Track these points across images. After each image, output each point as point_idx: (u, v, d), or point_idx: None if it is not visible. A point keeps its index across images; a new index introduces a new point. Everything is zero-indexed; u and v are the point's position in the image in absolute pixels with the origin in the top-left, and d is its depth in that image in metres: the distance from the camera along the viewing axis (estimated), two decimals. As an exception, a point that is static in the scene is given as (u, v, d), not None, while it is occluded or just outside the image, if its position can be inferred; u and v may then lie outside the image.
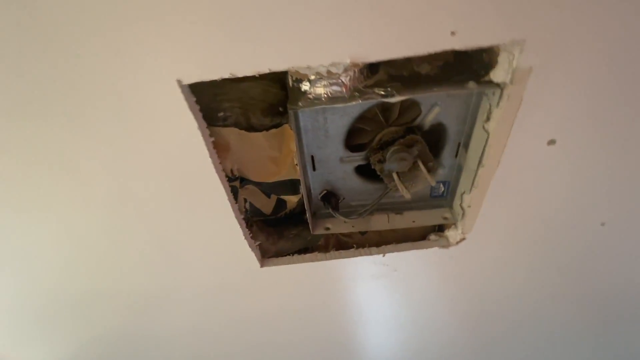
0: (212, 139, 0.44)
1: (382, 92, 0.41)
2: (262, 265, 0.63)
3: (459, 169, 0.55)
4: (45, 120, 0.39)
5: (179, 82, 0.36)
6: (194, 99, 0.39)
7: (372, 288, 0.73)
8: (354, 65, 0.36)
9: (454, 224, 0.60)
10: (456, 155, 0.54)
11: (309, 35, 0.33)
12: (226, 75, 0.36)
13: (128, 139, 0.41)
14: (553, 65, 0.37)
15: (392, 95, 0.41)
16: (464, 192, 0.56)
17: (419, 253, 0.63)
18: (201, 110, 0.41)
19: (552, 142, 0.46)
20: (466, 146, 0.51)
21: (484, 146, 0.46)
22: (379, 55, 0.35)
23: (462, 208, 0.57)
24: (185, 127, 0.40)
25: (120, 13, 0.31)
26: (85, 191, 0.47)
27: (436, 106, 0.48)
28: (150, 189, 0.48)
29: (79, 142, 0.41)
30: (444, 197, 0.60)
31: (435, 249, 0.62)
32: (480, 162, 0.48)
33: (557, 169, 0.49)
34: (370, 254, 0.63)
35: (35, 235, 0.53)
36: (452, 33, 0.34)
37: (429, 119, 0.49)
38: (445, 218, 0.60)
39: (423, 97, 0.46)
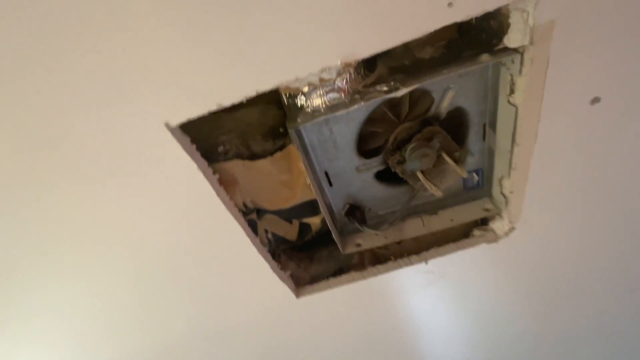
0: (217, 176, 0.41)
1: (385, 88, 0.37)
2: (298, 296, 0.59)
3: (491, 153, 0.49)
4: (52, 192, 0.39)
5: (167, 125, 0.34)
6: (188, 139, 0.37)
7: (422, 299, 0.66)
8: (347, 65, 0.32)
9: (498, 213, 0.53)
10: (484, 138, 0.48)
11: (290, 45, 0.30)
12: (214, 107, 0.33)
13: (134, 194, 0.40)
14: (579, 13, 0.32)
15: (397, 89, 0.37)
16: (502, 177, 0.49)
17: (465, 253, 0.56)
18: (199, 149, 0.39)
19: (596, 100, 0.39)
20: (493, 126, 0.45)
21: (514, 122, 0.40)
22: (372, 48, 0.31)
23: (503, 195, 0.50)
24: (185, 170, 0.38)
25: (92, 70, 0.30)
26: (107, 258, 0.46)
27: (449, 90, 0.43)
28: (168, 240, 0.46)
29: (88, 210, 0.40)
30: (481, 186, 0.54)
31: (483, 245, 0.55)
32: (513, 140, 0.42)
33: (607, 129, 0.42)
34: (411, 263, 0.57)
35: (68, 307, 0.53)
36: (450, 4, 0.30)
37: (444, 105, 0.44)
38: (487, 209, 0.53)
39: (432, 83, 0.42)
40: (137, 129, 0.34)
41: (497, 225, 0.55)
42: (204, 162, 0.39)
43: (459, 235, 0.59)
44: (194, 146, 0.38)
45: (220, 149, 0.41)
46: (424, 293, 0.64)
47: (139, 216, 0.42)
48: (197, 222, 0.44)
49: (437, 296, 0.66)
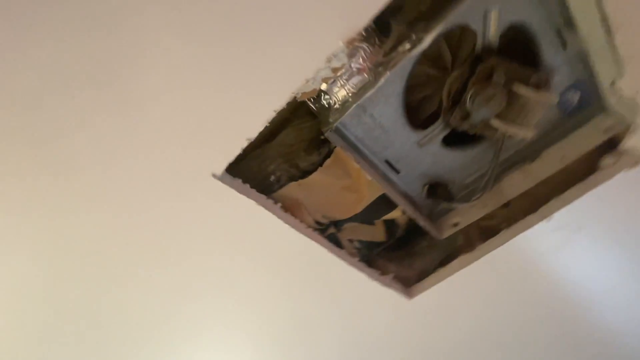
0: (279, 204, 0.41)
1: (408, 46, 0.32)
2: (410, 297, 0.54)
3: (583, 57, 0.37)
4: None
5: (215, 176, 0.35)
6: (239, 180, 0.38)
7: (565, 263, 0.54)
8: (352, 41, 0.29)
9: (628, 126, 0.40)
10: (564, 47, 0.37)
11: (283, 53, 0.28)
12: (245, 144, 0.33)
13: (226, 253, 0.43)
14: None
15: (421, 40, 0.31)
16: (613, 80, 0.37)
17: (602, 190, 0.44)
18: (253, 186, 0.39)
19: None
20: (570, 24, 0.35)
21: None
22: (368, 9, 0.27)
23: (625, 101, 0.38)
24: (247, 210, 0.39)
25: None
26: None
27: (490, 11, 0.34)
28: (270, 288, 0.48)
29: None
30: (587, 104, 0.42)
31: (621, 174, 0.42)
32: (607, 26, 0.31)
33: None
34: (530, 225, 0.47)
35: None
36: None
37: (492, 32, 0.36)
38: (609, 128, 0.40)
39: (463, 13, 0.34)
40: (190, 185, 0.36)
41: (632, 143, 0.41)
42: (262, 196, 0.40)
43: (582, 173, 0.46)
44: (247, 185, 0.39)
45: (272, 178, 0.42)
46: (564, 254, 0.52)
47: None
48: (279, 255, 0.45)
49: (584, 252, 0.52)
